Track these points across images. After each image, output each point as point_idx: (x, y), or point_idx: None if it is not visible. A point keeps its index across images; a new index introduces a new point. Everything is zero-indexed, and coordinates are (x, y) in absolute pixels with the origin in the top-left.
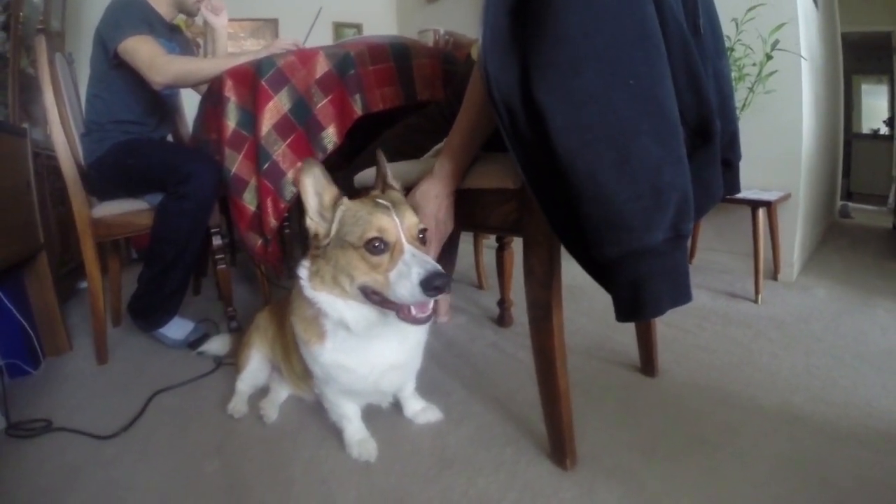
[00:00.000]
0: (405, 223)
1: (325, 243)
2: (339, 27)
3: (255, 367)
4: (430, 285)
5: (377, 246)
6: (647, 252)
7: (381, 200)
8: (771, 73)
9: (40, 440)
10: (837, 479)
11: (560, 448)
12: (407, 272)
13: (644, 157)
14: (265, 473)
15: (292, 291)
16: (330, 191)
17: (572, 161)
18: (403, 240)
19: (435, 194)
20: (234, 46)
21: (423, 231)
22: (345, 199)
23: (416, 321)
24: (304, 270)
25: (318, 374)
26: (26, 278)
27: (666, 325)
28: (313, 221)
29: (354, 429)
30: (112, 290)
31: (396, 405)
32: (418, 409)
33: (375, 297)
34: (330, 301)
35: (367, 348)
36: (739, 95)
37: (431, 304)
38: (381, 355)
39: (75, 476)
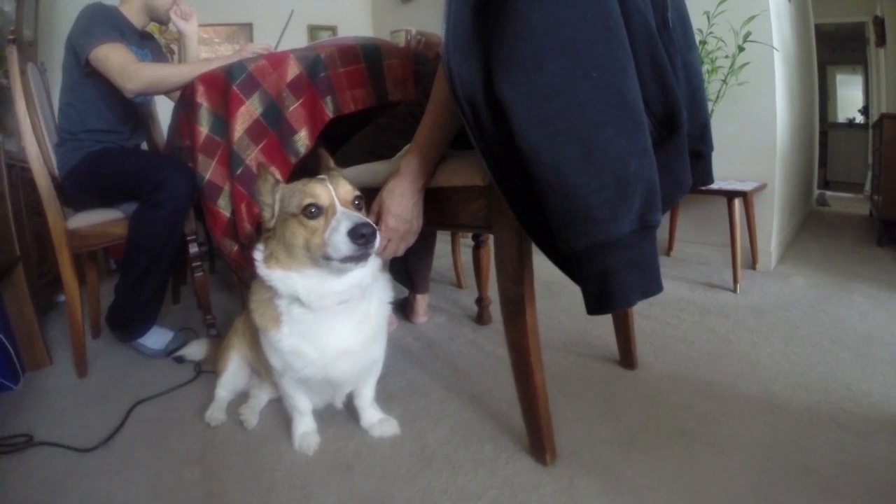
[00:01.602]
0: (339, 190)
1: (271, 224)
2: (313, 30)
3: (234, 369)
4: (357, 233)
5: (312, 211)
6: (614, 244)
7: (317, 176)
8: (743, 65)
9: (22, 455)
10: (819, 465)
11: (539, 443)
12: (337, 227)
13: (608, 149)
14: (245, 480)
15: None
16: (270, 179)
17: (536, 155)
18: (337, 203)
19: (400, 192)
20: (208, 52)
21: (359, 199)
22: (282, 183)
23: (355, 259)
24: (258, 253)
25: (276, 363)
26: (3, 292)
27: (644, 318)
28: (263, 209)
29: (302, 422)
30: (90, 302)
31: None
32: (375, 421)
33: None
34: (282, 276)
35: (322, 332)
36: (713, 88)
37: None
38: (335, 340)
39: (57, 490)
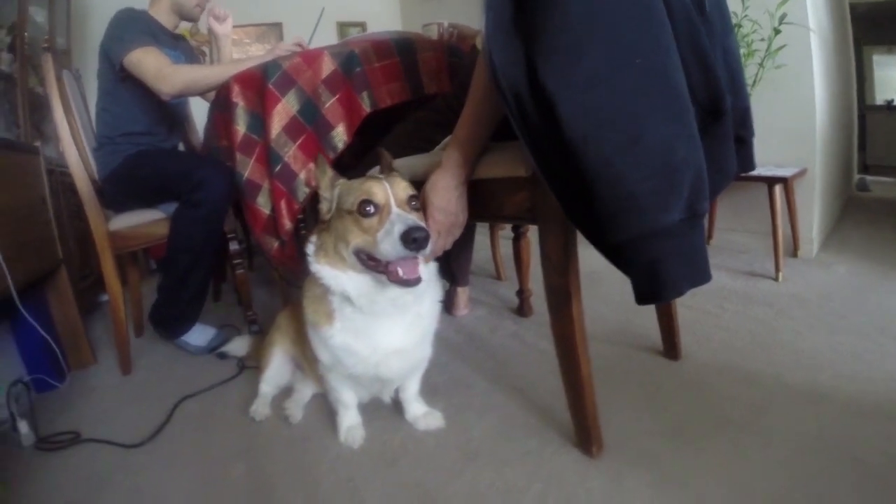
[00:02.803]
0: (395, 190)
1: (327, 217)
2: (343, 26)
3: (278, 365)
4: (409, 237)
5: (368, 209)
6: (662, 233)
7: (375, 175)
8: (780, 48)
9: (68, 452)
10: (865, 456)
11: (585, 436)
12: (391, 229)
13: (656, 136)
14: (291, 474)
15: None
16: (329, 173)
17: (583, 145)
18: (392, 203)
19: (443, 186)
20: (239, 52)
21: (414, 198)
22: (342, 179)
23: (405, 283)
24: (311, 246)
25: (325, 359)
26: (48, 294)
27: (687, 308)
28: (321, 201)
29: (348, 415)
30: (132, 301)
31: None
32: (419, 414)
33: (371, 263)
34: (332, 275)
35: (374, 330)
36: (749, 72)
37: (420, 267)
38: (386, 338)
39: (104, 486)
